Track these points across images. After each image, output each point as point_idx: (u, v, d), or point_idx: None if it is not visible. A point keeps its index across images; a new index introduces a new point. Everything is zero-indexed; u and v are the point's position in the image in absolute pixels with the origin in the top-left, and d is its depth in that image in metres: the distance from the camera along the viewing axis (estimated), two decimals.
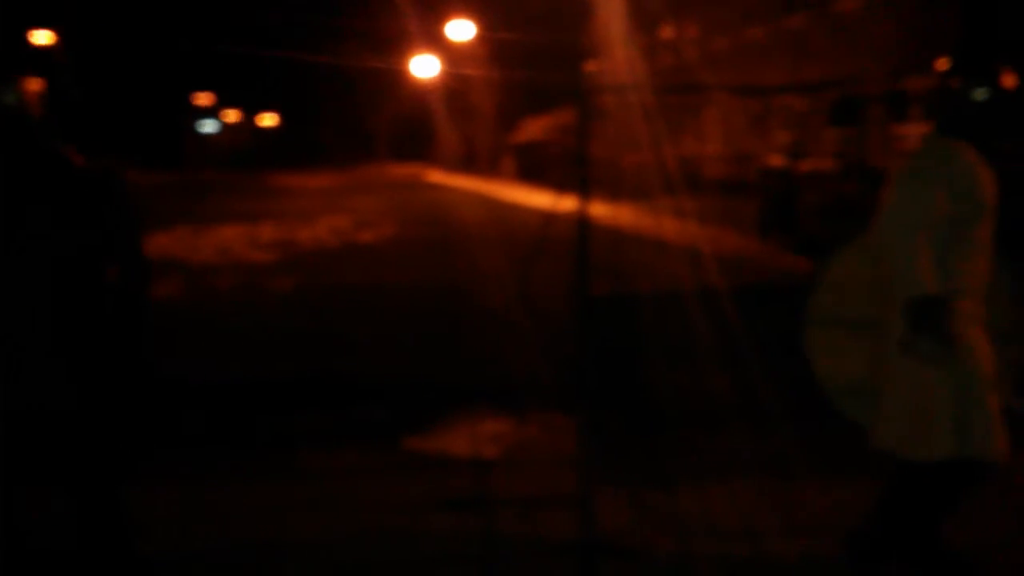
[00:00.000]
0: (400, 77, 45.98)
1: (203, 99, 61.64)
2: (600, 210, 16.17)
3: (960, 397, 3.06)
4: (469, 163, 47.29)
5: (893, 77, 18.71)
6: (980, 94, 3.16)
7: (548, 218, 4.30)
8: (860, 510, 4.05)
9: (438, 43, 36.56)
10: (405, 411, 5.60)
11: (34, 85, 2.90)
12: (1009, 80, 3.17)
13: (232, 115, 69.72)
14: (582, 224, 4.24)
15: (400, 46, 37.20)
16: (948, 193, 3.04)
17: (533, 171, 35.75)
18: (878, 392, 3.25)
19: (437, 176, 46.14)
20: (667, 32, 31.36)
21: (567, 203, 4.26)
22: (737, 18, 25.82)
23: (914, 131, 18.49)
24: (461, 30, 33.56)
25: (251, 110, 71.97)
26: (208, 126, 65.17)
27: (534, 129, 39.25)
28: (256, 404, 5.79)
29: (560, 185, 4.33)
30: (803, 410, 5.24)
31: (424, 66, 37.15)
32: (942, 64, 3.58)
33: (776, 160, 15.34)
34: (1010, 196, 3.99)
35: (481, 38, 34.76)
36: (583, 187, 4.24)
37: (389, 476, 4.58)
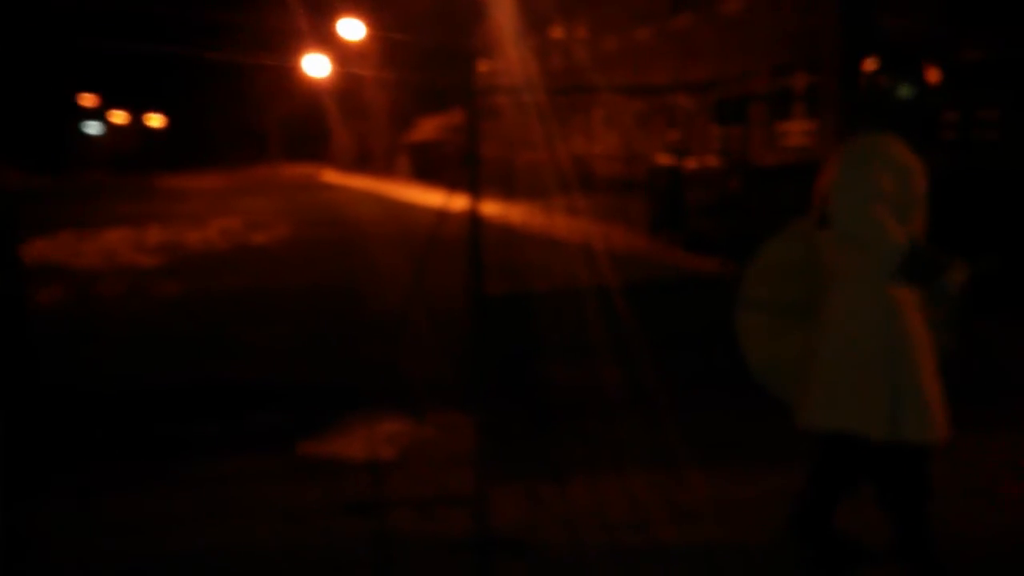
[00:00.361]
0: (292, 76, 45.26)
1: (88, 100, 59.54)
2: (493, 209, 16.26)
3: (897, 382, 3.24)
4: (363, 163, 46.93)
5: (775, 76, 19.33)
6: (905, 90, 3.35)
7: (440, 217, 4.34)
8: (742, 497, 4.23)
9: (330, 41, 36.14)
10: (300, 415, 5.55)
11: None
12: (933, 76, 3.36)
13: (119, 116, 67.55)
14: (474, 223, 4.29)
15: (291, 44, 36.62)
16: (891, 177, 3.22)
17: (427, 170, 35.70)
18: (808, 374, 3.41)
19: (331, 176, 45.60)
20: (557, 33, 31.70)
21: (459, 202, 4.31)
22: (625, 18, 26.27)
23: (796, 128, 19.15)
24: (352, 29, 33.22)
25: (138, 110, 69.82)
26: (93, 127, 62.98)
27: (428, 129, 39.18)
28: (146, 412, 5.66)
29: (453, 184, 4.37)
30: (690, 402, 5.43)
31: (316, 65, 36.63)
32: (870, 64, 3.73)
33: (664, 159, 15.68)
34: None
35: (373, 37, 34.52)
36: (474, 186, 4.28)
37: (284, 481, 4.55)
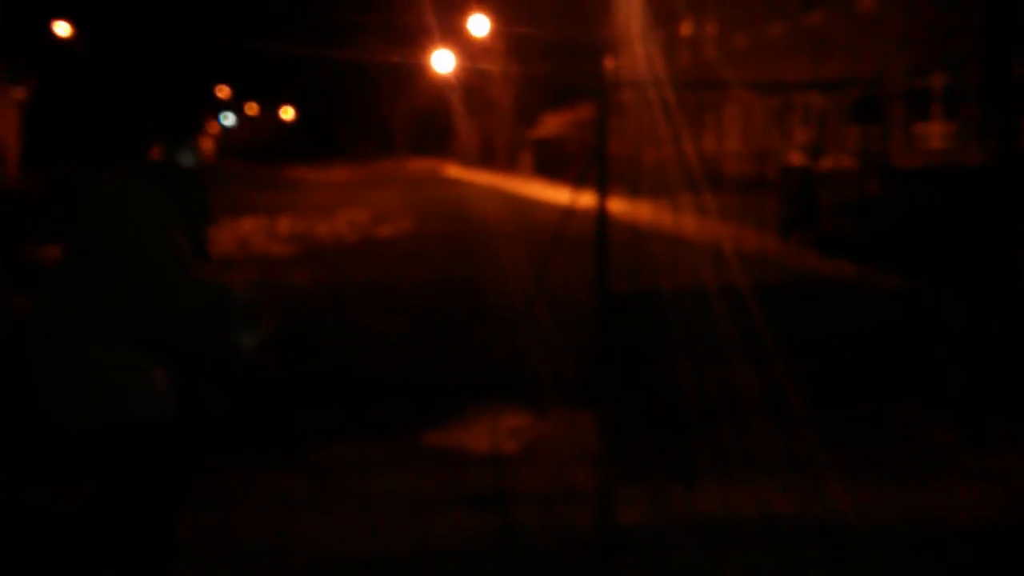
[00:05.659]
0: (419, 72, 46.01)
1: (223, 92, 61.86)
2: (619, 207, 16.12)
3: None
4: (487, 158, 47.29)
5: (913, 75, 18.56)
6: None
7: (566, 213, 4.28)
8: (884, 509, 4.03)
9: (457, 38, 36.54)
10: (424, 406, 5.58)
11: None
12: None
13: (253, 108, 70.01)
14: (602, 220, 4.21)
15: (419, 41, 37.21)
16: None
17: (551, 166, 35.70)
18: None
19: (455, 171, 46.12)
20: (687, 28, 31.21)
21: (585, 199, 4.23)
22: (758, 14, 25.66)
23: (935, 130, 18.35)
24: (479, 24, 33.52)
25: (272, 103, 72.23)
26: (228, 119, 65.41)
27: (553, 124, 39.19)
28: (274, 399, 5.78)
29: (578, 181, 4.29)
30: (824, 408, 5.22)
31: (442, 61, 37.14)
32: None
33: (797, 158, 15.24)
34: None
35: (499, 32, 34.72)
36: (602, 182, 4.21)
37: (407, 471, 4.56)
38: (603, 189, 4.23)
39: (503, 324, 7.44)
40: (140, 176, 2.86)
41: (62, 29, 33.53)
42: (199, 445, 3.01)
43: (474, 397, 5.65)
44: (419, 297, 9.71)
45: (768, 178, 16.31)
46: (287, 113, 74.98)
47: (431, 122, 55.32)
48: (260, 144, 66.65)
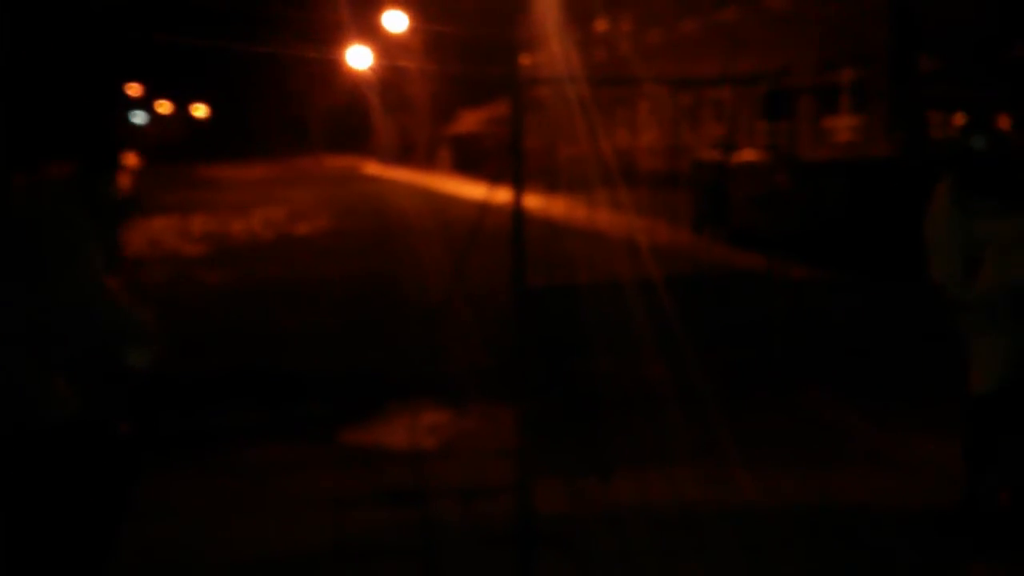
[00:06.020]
0: (335, 68, 45.51)
1: (134, 89, 60.30)
2: (535, 202, 16.20)
3: None
4: (405, 155, 47.06)
5: (822, 70, 19.06)
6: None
7: (483, 209, 4.30)
8: (794, 494, 4.15)
9: (373, 34, 36.25)
10: (342, 404, 5.55)
11: None
12: None
13: (164, 106, 68.42)
14: (517, 215, 4.24)
15: (335, 36, 36.79)
16: None
17: (469, 163, 35.70)
18: None
19: (373, 168, 45.77)
20: (602, 25, 31.53)
21: (502, 194, 4.26)
22: (671, 11, 26.06)
23: (844, 123, 18.87)
24: (396, 21, 33.32)
25: (183, 100, 70.63)
26: (139, 117, 63.80)
27: (470, 121, 39.20)
28: (187, 399, 5.68)
29: (495, 176, 4.32)
30: (735, 398, 5.34)
31: (358, 57, 36.81)
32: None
33: (709, 153, 15.51)
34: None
35: (416, 29, 34.56)
36: (518, 178, 4.23)
37: (326, 470, 4.54)
38: (519, 185, 4.26)
39: (422, 320, 7.43)
40: (55, 194, 2.81)
41: None
42: (122, 451, 2.95)
43: (393, 394, 5.64)
44: (337, 295, 9.63)
45: (681, 173, 16.60)
46: (199, 110, 73.44)
47: (348, 119, 54.80)
48: (172, 142, 65.18)
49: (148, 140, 63.57)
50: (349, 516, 4.00)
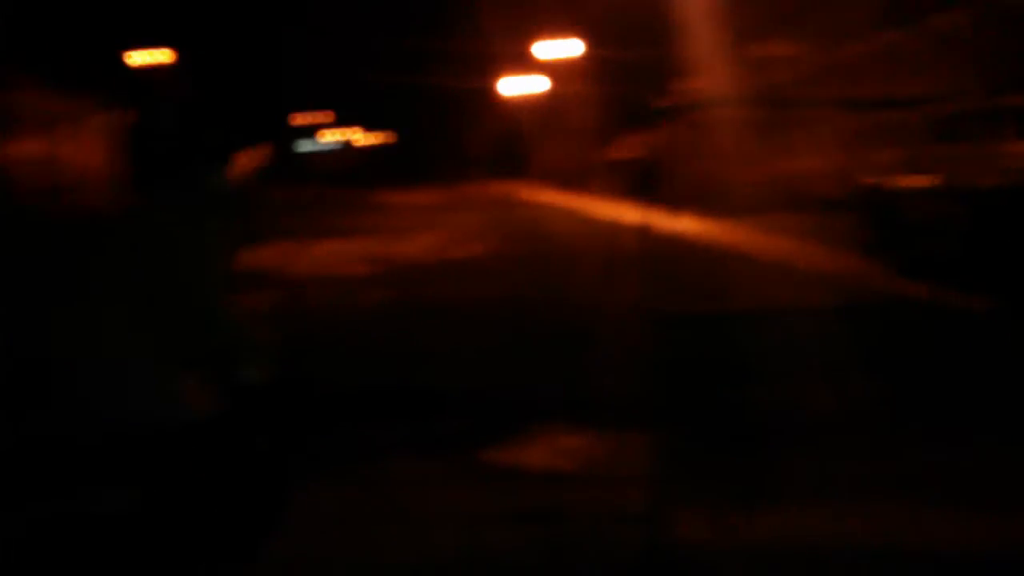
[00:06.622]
0: (498, 97, 46.40)
1: (310, 119, 63.45)
2: (697, 226, 15.96)
3: None
4: (565, 180, 47.36)
5: (995, 94, 18.00)
6: None
7: (632, 233, 4.26)
8: (949, 539, 3.87)
9: (533, 61, 36.72)
10: (484, 423, 5.59)
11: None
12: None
13: (339, 134, 71.61)
14: (662, 239, 4.20)
15: (496, 65, 37.49)
16: None
17: (629, 188, 35.56)
18: None
19: (534, 193, 46.26)
20: (765, 49, 30.87)
21: (657, 219, 4.21)
22: (836, 33, 25.28)
23: (1016, 149, 17.74)
24: (555, 49, 33.71)
25: (369, 128, 73.88)
26: (311, 145, 66.97)
27: (630, 146, 39.08)
28: (334, 414, 5.85)
29: (652, 201, 4.27)
30: (896, 431, 5.06)
31: (520, 85, 37.37)
32: None
33: (877, 177, 14.88)
34: None
35: (577, 55, 34.81)
36: (658, 201, 4.20)
37: (463, 487, 4.58)
38: (663, 208, 4.21)
39: (567, 343, 7.42)
40: (194, 200, 2.93)
41: (150, 56, 34.62)
42: (261, 461, 3.05)
43: (535, 415, 5.64)
44: (488, 316, 9.74)
45: (849, 197, 15.99)
46: (375, 138, 76.36)
47: (511, 145, 55.71)
48: (347, 169, 67.93)
49: (324, 167, 66.52)
50: (482, 533, 4.01)
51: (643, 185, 33.27)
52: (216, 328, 2.86)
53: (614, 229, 21.37)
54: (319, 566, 3.78)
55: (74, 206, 2.91)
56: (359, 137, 75.61)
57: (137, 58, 34.18)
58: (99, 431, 2.78)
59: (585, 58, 34.90)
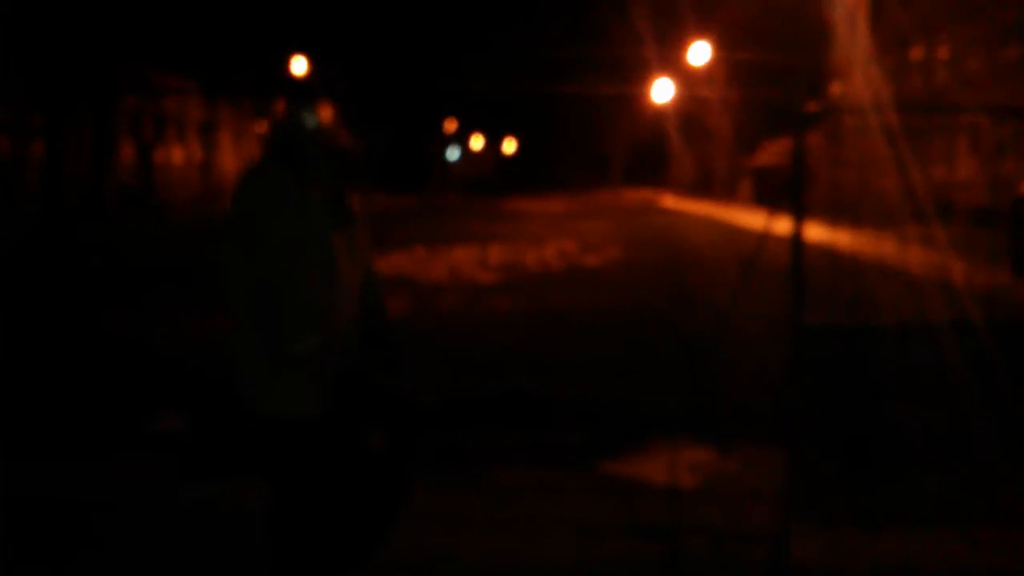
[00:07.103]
0: (636, 103, 46.08)
1: (451, 125, 64.64)
2: (838, 237, 15.42)
3: None
4: (704, 187, 46.66)
5: None
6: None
7: (761, 241, 4.14)
8: None
9: (675, 66, 36.33)
10: (604, 434, 5.52)
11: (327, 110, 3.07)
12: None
13: (476, 143, 72.69)
14: (797, 249, 4.07)
15: (637, 71, 37.27)
16: None
17: (770, 195, 34.74)
18: None
19: (670, 201, 45.74)
20: (918, 53, 29.61)
21: (794, 228, 4.08)
22: (991, 38, 24.00)
23: None
24: (699, 53, 33.25)
25: (494, 136, 74.70)
26: (452, 153, 68.23)
27: (772, 152, 38.19)
28: (455, 420, 5.88)
29: (791, 209, 4.15)
30: None
31: (661, 90, 37.06)
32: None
33: None
34: None
35: (718, 60, 34.24)
36: (798, 210, 4.07)
37: (580, 498, 4.52)
38: (800, 217, 4.08)
39: (694, 355, 7.26)
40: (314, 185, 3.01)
41: (301, 65, 35.85)
42: (377, 461, 3.09)
43: (657, 428, 5.53)
44: (614, 325, 9.65)
45: (1001, 210, 15.16)
46: (509, 145, 77.11)
47: (647, 152, 55.26)
48: (481, 177, 68.85)
49: (461, 176, 67.61)
50: (595, 545, 3.95)
51: (783, 193, 32.44)
52: (371, 322, 3.03)
53: (751, 238, 20.87)
54: (431, 568, 3.79)
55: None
56: (503, 145, 76.56)
57: (298, 66, 35.45)
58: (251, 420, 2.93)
59: (726, 63, 34.29)
